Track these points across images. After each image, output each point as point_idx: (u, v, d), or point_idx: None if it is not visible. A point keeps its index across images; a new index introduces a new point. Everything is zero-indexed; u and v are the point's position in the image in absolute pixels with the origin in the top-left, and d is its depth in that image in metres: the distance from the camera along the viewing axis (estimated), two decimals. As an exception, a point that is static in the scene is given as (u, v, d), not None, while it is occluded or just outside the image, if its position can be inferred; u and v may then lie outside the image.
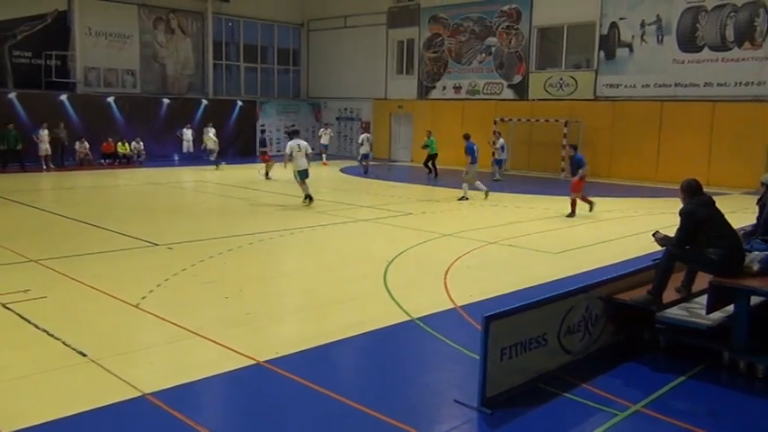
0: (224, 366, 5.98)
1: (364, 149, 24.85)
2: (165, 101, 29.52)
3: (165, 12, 30.47)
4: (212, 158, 25.85)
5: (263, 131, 26.49)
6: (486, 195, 17.58)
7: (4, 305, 7.52)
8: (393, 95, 31.71)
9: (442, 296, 8.37)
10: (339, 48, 33.67)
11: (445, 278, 9.25)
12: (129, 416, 5.06)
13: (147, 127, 28.21)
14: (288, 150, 15.67)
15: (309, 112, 34.93)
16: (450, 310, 7.86)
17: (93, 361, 5.99)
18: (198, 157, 28.39)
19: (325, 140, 28.77)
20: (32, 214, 14.77)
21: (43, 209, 15.42)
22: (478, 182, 17.61)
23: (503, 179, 22.75)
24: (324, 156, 27.88)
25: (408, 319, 7.47)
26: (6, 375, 5.71)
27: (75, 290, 8.41)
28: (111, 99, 27.80)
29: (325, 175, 23.66)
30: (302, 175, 15.73)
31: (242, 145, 31.46)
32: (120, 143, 27.09)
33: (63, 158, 25.23)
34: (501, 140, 23.55)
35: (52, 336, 6.59)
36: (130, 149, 27.14)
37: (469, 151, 17.28)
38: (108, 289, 8.29)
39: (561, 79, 26.05)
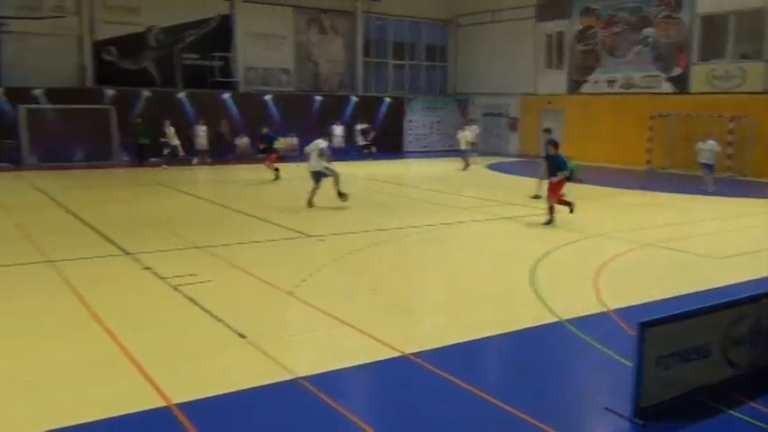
0: (371, 356, 6.14)
1: (467, 144, 24.35)
2: (317, 98, 30.70)
3: (317, 12, 31.68)
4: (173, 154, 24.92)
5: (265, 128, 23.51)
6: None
7: (174, 287, 8.19)
8: (542, 90, 30.94)
9: (593, 298, 8.07)
10: (486, 43, 33.35)
11: (596, 280, 8.90)
12: (281, 397, 5.33)
13: (300, 123, 29.47)
14: (306, 150, 15.35)
15: (455, 108, 34.89)
16: (600, 313, 7.56)
17: (250, 343, 6.36)
18: (346, 152, 29.30)
19: (471, 138, 27.97)
20: (199, 205, 15.96)
21: (208, 199, 16.59)
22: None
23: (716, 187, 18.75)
24: (471, 155, 26.98)
25: (556, 320, 7.28)
26: (176, 352, 6.21)
27: (236, 275, 8.98)
28: (268, 97, 29.33)
29: (470, 173, 23.57)
30: (314, 175, 14.83)
31: (390, 141, 32.08)
32: (276, 139, 28.54)
33: (224, 153, 26.97)
34: (711, 141, 18.97)
35: (215, 317, 7.08)
36: (286, 145, 28.46)
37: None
38: (265, 276, 8.78)
39: (727, 71, 24.16)
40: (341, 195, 14.88)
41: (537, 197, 15.85)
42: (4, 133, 23.16)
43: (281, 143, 28.30)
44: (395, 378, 5.82)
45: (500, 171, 24.33)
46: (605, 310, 7.64)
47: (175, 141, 24.63)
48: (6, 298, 7.94)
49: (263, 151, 21.44)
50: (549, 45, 30.83)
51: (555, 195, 12.97)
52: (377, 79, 34.03)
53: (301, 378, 5.57)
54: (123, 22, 27.07)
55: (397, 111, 32.84)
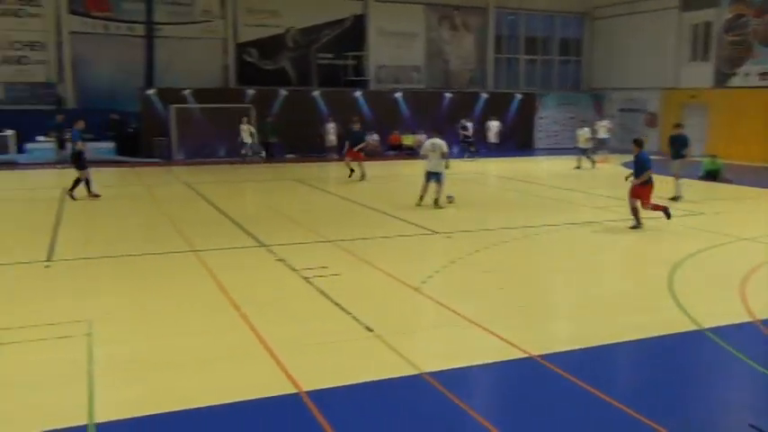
0: (498, 356, 6.07)
1: (585, 142, 23.23)
2: (447, 95, 30.67)
3: (449, 9, 31.65)
4: (246, 153, 24.96)
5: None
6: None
7: (306, 279, 8.50)
8: (685, 84, 29.16)
9: (738, 307, 7.52)
10: (625, 35, 31.89)
11: (743, 287, 8.29)
12: (406, 391, 5.39)
13: (430, 120, 29.61)
14: (422, 151, 14.85)
15: (590, 103, 33.65)
16: (747, 323, 7.03)
17: (377, 336, 6.49)
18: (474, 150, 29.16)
19: (603, 134, 26.82)
20: (329, 199, 16.46)
21: (337, 195, 17.07)
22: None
23: None
24: (599, 152, 25.73)
25: (696, 328, 6.85)
26: (307, 341, 6.45)
27: (364, 269, 9.18)
28: (398, 94, 29.69)
29: (604, 171, 22.67)
30: (429, 175, 14.38)
31: (520, 138, 31.54)
32: (404, 136, 28.87)
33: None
34: None
35: (344, 310, 7.28)
36: (414, 141, 28.74)
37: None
38: (392, 271, 8.91)
39: None
40: (449, 198, 14.65)
41: (675, 198, 14.99)
42: (157, 131, 25.01)
43: (410, 140, 28.60)
44: (521, 379, 5.73)
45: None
46: (752, 320, 7.10)
47: (248, 139, 24.81)
48: (156, 284, 8.59)
49: (351, 148, 20.06)
50: (693, 36, 29.00)
51: (646, 200, 11.99)
52: (508, 75, 33.51)
53: (426, 374, 5.61)
54: (264, 24, 28.43)
55: (528, 107, 32.17)
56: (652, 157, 12.71)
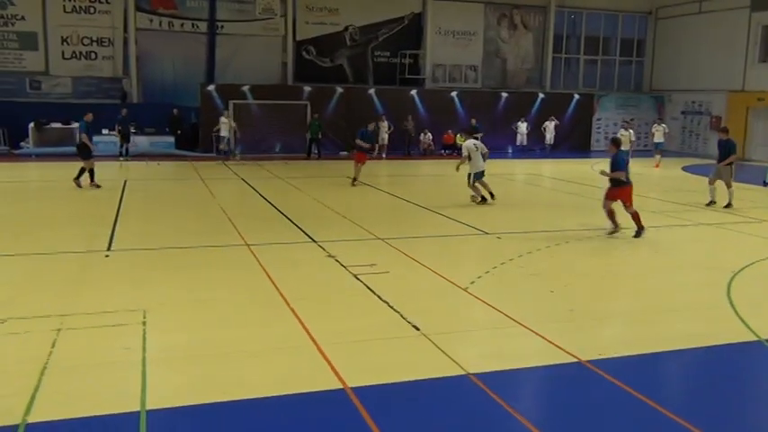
0: (545, 359, 6.00)
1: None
2: (504, 95, 30.39)
3: (509, 8, 31.33)
4: (223, 147, 24.65)
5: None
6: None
7: (355, 276, 8.56)
8: (752, 87, 28.14)
9: (801, 319, 7.23)
10: (690, 36, 30.97)
11: (806, 298, 7.97)
12: (452, 391, 5.38)
13: (485, 120, 29.39)
14: (465, 152, 14.73)
15: (651, 105, 32.80)
16: (809, 335, 6.76)
17: (424, 335, 6.48)
18: (530, 150, 28.81)
19: (658, 138, 25.25)
20: (379, 197, 16.52)
21: (388, 192, 17.11)
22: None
23: None
24: (658, 156, 24.78)
25: (755, 339, 6.62)
26: (354, 337, 6.49)
27: (412, 268, 9.18)
28: (454, 93, 29.55)
29: (660, 174, 22.10)
30: (478, 176, 14.65)
31: (577, 139, 31.02)
32: (458, 135, 28.70)
33: (409, 148, 27.64)
34: None
35: (392, 307, 7.30)
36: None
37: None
38: (441, 270, 8.88)
39: None
40: (474, 198, 14.86)
41: (728, 206, 14.63)
42: (215, 126, 25.54)
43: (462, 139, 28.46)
44: (569, 384, 5.64)
45: (696, 173, 22.51)
46: (816, 332, 6.82)
47: (225, 133, 24.51)
48: (209, 276, 8.77)
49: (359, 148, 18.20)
50: (765, 37, 27.96)
51: (629, 203, 11.24)
52: (566, 75, 32.97)
53: (472, 374, 5.58)
54: (322, 22, 28.70)
55: (586, 108, 31.58)
56: (711, 161, 12.28)
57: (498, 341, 6.55)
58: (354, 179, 17.74)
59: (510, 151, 29.52)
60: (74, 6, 25.81)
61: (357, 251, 10.05)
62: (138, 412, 4.87)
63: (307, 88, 27.16)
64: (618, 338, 6.79)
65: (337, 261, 9.35)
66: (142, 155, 23.84)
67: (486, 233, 11.65)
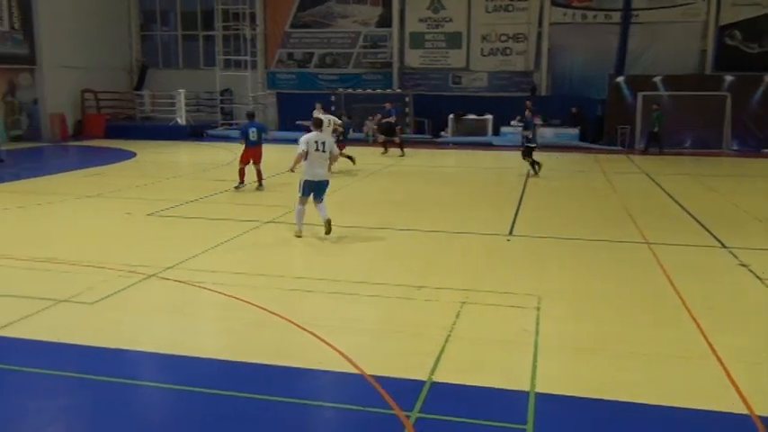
0: None
1: None
2: None
3: None
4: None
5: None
6: None
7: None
8: None
9: None
10: None
11: None
12: None
13: None
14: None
15: None
16: None
17: None
18: None
19: None
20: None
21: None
22: None
23: None
24: None
25: None
26: (761, 358, 5.74)
27: None
28: None
29: None
30: None
31: None
32: None
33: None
34: None
35: None
36: None
37: None
38: None
39: None
40: None
41: None
42: (621, 119, 24.87)
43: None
44: None
45: None
46: None
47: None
48: (604, 270, 8.64)
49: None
50: None
51: None
52: None
53: None
54: (753, 2, 25.57)
55: None
56: None
57: None
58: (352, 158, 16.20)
59: None
60: (495, 6, 27.69)
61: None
62: (527, 393, 5.08)
63: (728, 77, 24.53)
64: None
65: (751, 271, 8.34)
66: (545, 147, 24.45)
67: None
